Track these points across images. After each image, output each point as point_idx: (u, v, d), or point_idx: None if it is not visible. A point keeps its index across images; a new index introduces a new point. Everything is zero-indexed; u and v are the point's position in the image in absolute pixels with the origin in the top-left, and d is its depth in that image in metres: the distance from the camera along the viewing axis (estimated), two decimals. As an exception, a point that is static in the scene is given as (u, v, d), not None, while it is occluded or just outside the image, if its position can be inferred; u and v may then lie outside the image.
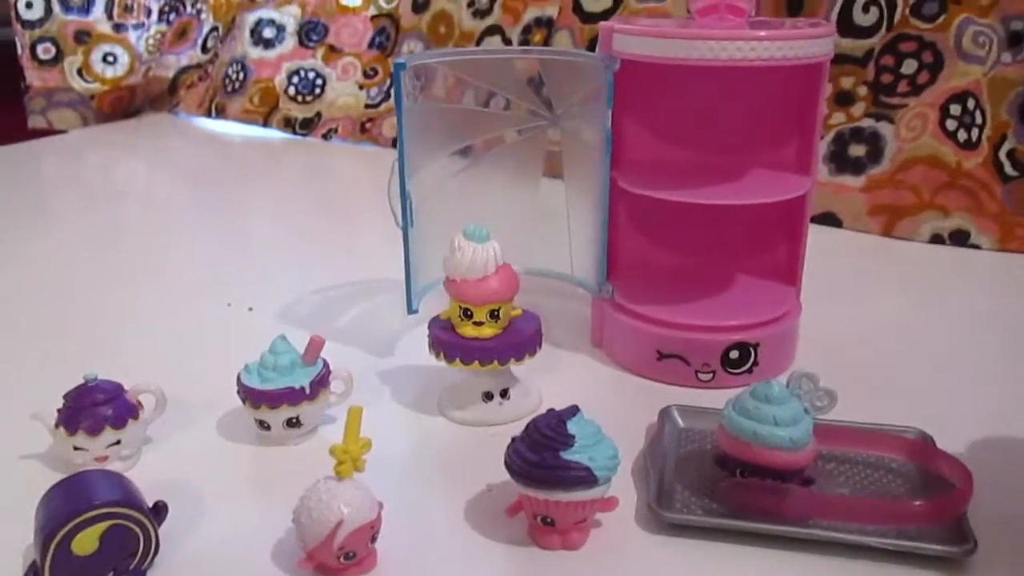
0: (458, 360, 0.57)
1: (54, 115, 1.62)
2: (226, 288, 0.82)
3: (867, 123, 0.98)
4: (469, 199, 0.69)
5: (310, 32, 1.51)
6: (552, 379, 0.64)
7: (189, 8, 1.65)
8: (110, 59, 1.63)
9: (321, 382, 0.56)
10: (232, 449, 0.57)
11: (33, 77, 1.61)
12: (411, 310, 0.65)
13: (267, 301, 0.79)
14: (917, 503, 0.46)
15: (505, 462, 0.46)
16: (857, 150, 0.98)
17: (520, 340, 0.57)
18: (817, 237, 0.95)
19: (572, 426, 0.45)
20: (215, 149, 1.47)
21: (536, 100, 0.70)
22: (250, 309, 0.78)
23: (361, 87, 1.46)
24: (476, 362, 0.57)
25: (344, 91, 1.48)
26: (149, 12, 1.64)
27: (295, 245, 0.97)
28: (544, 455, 0.45)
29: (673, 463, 0.53)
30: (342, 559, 0.44)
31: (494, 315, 0.57)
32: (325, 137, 1.46)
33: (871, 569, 0.45)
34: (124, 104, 1.68)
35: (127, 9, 1.62)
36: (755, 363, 0.62)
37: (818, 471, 0.51)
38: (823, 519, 0.47)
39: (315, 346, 0.56)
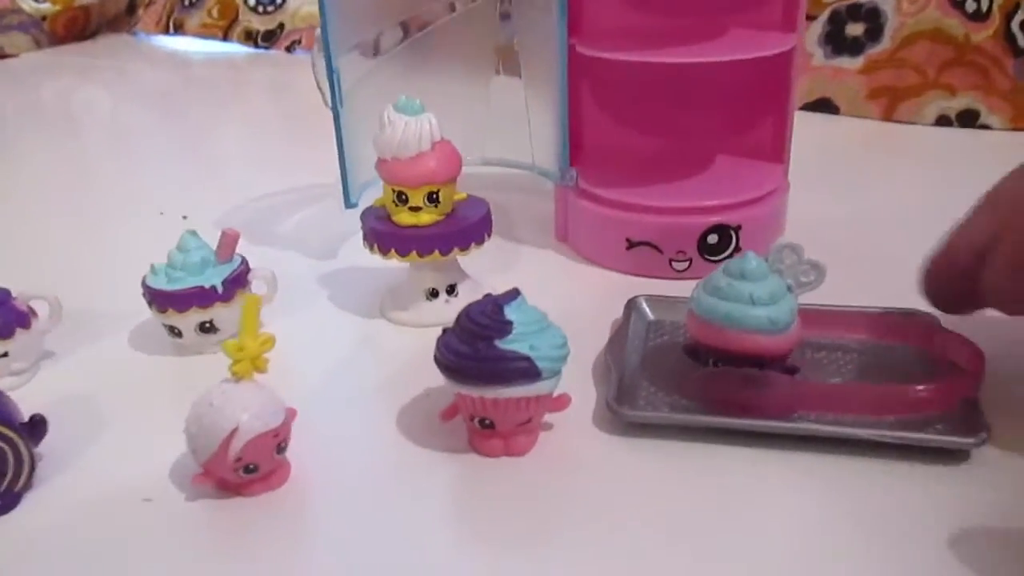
0: (394, 252, 0.50)
1: (4, 39, 1.52)
2: (166, 201, 0.75)
3: (866, -1, 0.89)
4: (414, 81, 0.62)
5: (269, -62, 1.41)
6: (510, 276, 0.57)
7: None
8: (60, -23, 1.52)
9: (237, 281, 0.49)
10: (142, 361, 0.50)
11: (-21, -1, 1.51)
12: (349, 203, 0.58)
13: (207, 210, 0.71)
14: (920, 387, 0.39)
15: (434, 356, 0.40)
16: (855, 29, 0.89)
17: (464, 227, 0.50)
18: (812, 126, 0.88)
19: (511, 312, 0.38)
20: (173, 68, 1.38)
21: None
22: (184, 217, 0.70)
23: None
24: (414, 252, 0.49)
25: (307, 0, 1.38)
26: (98, -76, 1.53)
27: (252, 159, 0.89)
28: (477, 345, 0.38)
29: (638, 358, 0.46)
30: (242, 472, 0.37)
31: (433, 199, 0.49)
32: (288, 50, 1.36)
33: (868, 466, 0.38)
34: (79, 26, 1.58)
35: (74, -79, 1.51)
36: (736, 248, 0.55)
37: (804, 361, 0.44)
38: (810, 411, 0.40)
39: (228, 240, 0.49)
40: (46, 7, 1.51)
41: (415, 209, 0.49)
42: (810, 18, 0.90)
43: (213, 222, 0.69)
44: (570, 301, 0.54)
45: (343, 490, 0.39)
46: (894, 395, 0.40)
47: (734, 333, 0.40)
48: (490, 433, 0.40)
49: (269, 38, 1.39)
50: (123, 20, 1.62)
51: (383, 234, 0.50)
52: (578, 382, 0.45)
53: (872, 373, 0.44)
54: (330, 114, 0.56)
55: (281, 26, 1.38)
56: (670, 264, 0.55)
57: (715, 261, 0.54)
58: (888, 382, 0.43)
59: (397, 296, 0.53)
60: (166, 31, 1.50)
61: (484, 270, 0.57)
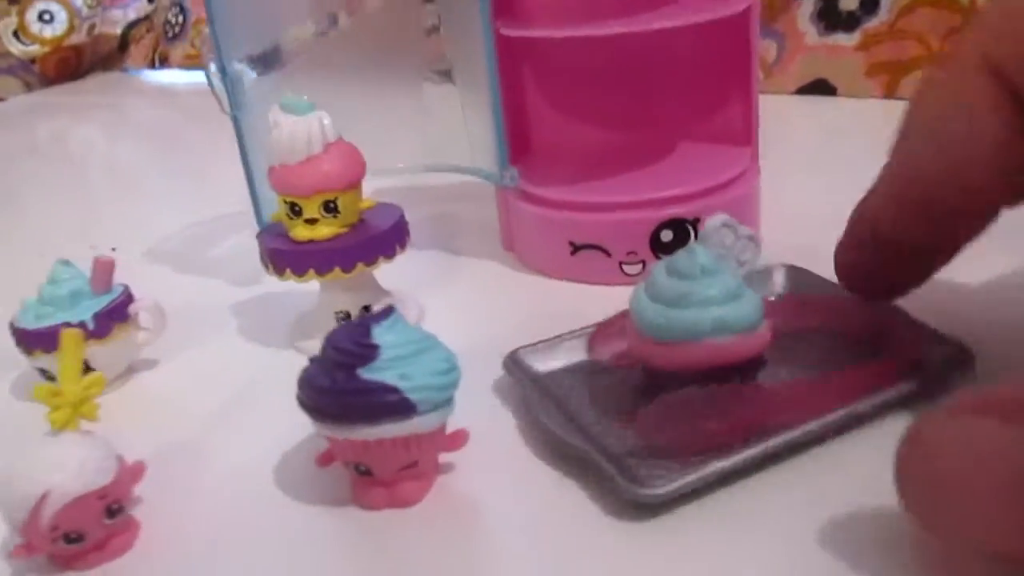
0: (289, 271, 0.43)
1: (-5, 84, 1.51)
2: (110, 234, 0.70)
3: (860, -32, 0.81)
4: (335, 82, 0.56)
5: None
6: (445, 292, 0.51)
7: (127, -46, 1.52)
8: (47, 17, 1.51)
9: (114, 314, 0.43)
10: (17, 411, 0.44)
11: (-32, 45, 1.50)
12: (262, 222, 0.52)
13: (141, 240, 0.66)
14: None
15: (297, 393, 0.33)
16: (849, 2, 0.81)
17: (370, 238, 0.44)
18: (806, 110, 0.80)
19: (381, 334, 0.32)
20: (159, 101, 1.35)
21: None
22: (113, 249, 0.65)
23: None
24: (311, 271, 0.43)
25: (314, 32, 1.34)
26: (83, -38, 1.51)
27: (204, 185, 0.84)
28: (336, 376, 0.31)
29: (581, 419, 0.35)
30: (62, 543, 0.31)
31: (330, 208, 0.43)
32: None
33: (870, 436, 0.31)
34: (71, 66, 1.56)
35: (59, -39, 1.50)
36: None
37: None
38: (790, 420, 0.33)
39: (101, 268, 0.43)
40: (35, 49, 1.49)
41: (311, 221, 0.43)
42: (800, -6, 0.83)
43: (139, 253, 0.63)
44: (508, 318, 0.47)
45: (203, 557, 0.33)
46: (876, 370, 0.34)
47: (700, 345, 0.32)
48: (370, 481, 0.33)
49: (253, 64, 1.34)
50: (115, 58, 1.60)
51: (277, 252, 0.44)
52: (489, 411, 0.38)
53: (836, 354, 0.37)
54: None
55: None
56: (621, 268, 0.48)
57: (672, 262, 0.47)
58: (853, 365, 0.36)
59: (305, 322, 0.47)
60: (152, 65, 1.47)
61: (418, 285, 0.50)
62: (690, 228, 0.47)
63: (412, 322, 0.46)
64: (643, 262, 0.48)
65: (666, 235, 0.47)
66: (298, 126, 0.42)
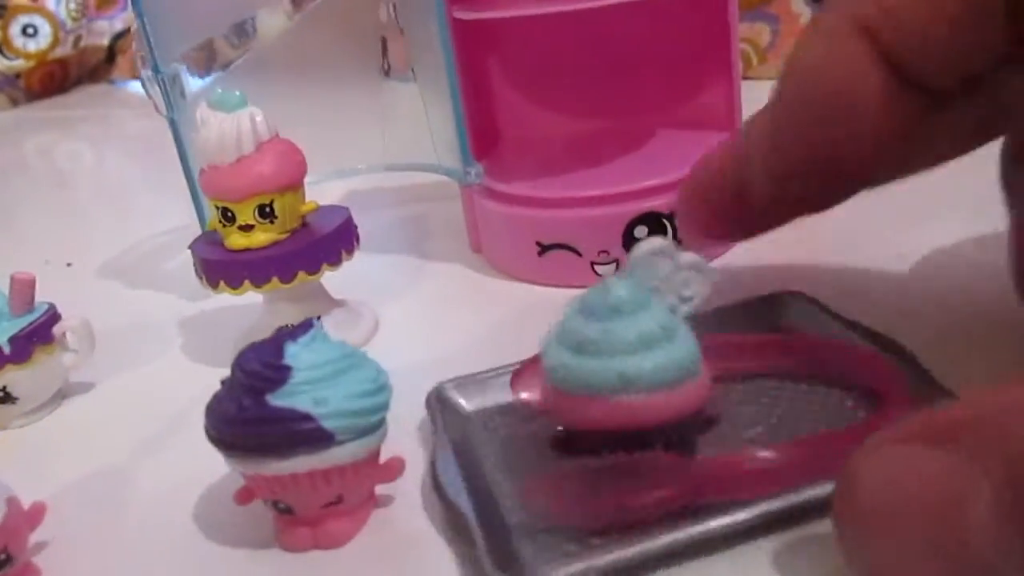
0: (223, 283, 0.40)
1: (-20, 100, 1.49)
2: (81, 249, 0.66)
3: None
4: (287, 79, 0.52)
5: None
6: (405, 300, 0.47)
7: (109, -37, 1.49)
8: (30, 31, 1.48)
9: (34, 336, 0.40)
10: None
11: (-47, 61, 1.47)
12: (205, 228, 0.48)
13: (102, 254, 0.63)
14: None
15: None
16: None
17: (311, 243, 0.40)
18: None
19: (296, 353, 0.28)
20: (145, 112, 1.31)
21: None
22: (68, 264, 0.62)
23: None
24: (246, 282, 0.39)
25: (276, 25, 1.30)
26: (65, -27, 1.49)
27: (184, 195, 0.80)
28: (243, 402, 0.27)
29: (487, 477, 0.30)
30: (-62, 600, 0.27)
31: (266, 213, 0.39)
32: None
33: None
34: (57, 80, 1.54)
35: (41, -27, 1.47)
36: (675, 241, 0.43)
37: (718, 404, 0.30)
38: (729, 500, 0.26)
39: (19, 287, 0.40)
40: (19, 64, 1.47)
41: (246, 228, 0.39)
42: (793, -27, 0.79)
43: (93, 269, 0.60)
44: (471, 328, 0.43)
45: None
46: (844, 437, 0.27)
47: (606, 402, 0.26)
48: (293, 519, 0.29)
49: (239, 70, 1.31)
50: (103, 69, 1.58)
51: (210, 262, 0.40)
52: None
53: (801, 416, 0.30)
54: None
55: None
56: (592, 269, 0.44)
57: (648, 260, 0.43)
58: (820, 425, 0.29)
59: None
60: (139, 76, 1.44)
61: (376, 293, 0.47)
62: (666, 222, 0.43)
63: (364, 334, 0.42)
64: (616, 261, 0.44)
65: (640, 231, 0.43)
66: (227, 124, 0.38)
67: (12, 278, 0.40)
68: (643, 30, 0.49)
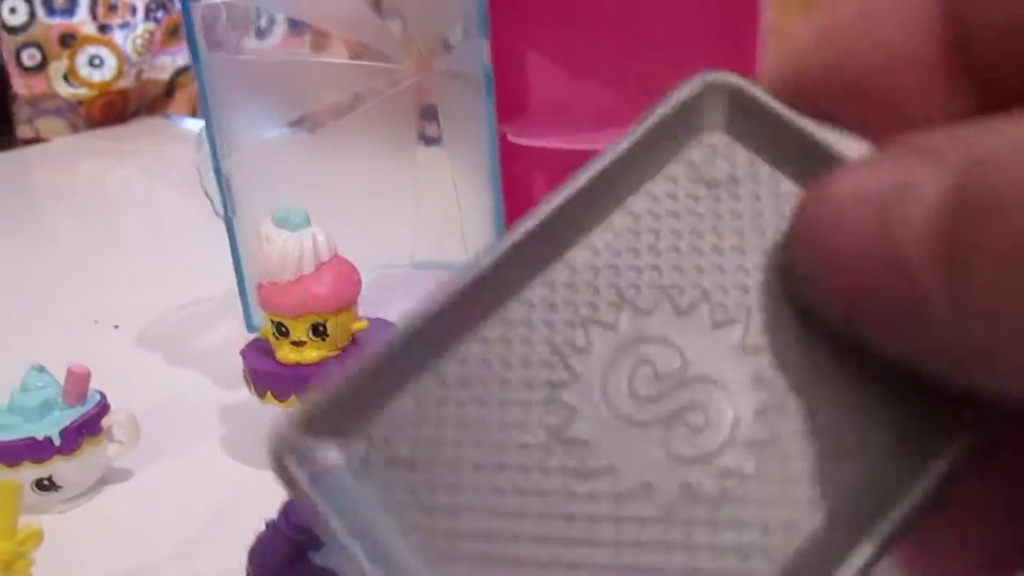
0: (270, 394, 0.41)
1: (41, 124, 1.53)
2: (125, 295, 0.68)
3: None
4: (322, 178, 0.54)
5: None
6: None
7: (177, 4, 1.54)
8: (96, 62, 1.53)
9: (85, 428, 0.41)
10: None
11: (19, 85, 1.52)
12: (251, 327, 0.49)
13: (143, 314, 0.64)
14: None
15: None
16: None
17: (358, 365, 0.41)
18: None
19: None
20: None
21: (383, 36, 0.53)
22: (116, 327, 0.63)
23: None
24: (293, 397, 0.40)
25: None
26: (134, 10, 1.54)
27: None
28: (286, 554, 0.28)
29: None
30: None
31: (319, 331, 0.40)
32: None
33: None
34: (117, 110, 1.58)
35: (112, 8, 1.52)
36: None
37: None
38: None
39: (75, 380, 0.41)
40: (83, 92, 1.51)
41: (298, 343, 0.41)
42: None
43: (135, 333, 0.61)
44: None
45: None
46: None
47: None
48: (320, 665, 0.30)
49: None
50: (161, 103, 1.62)
51: (259, 373, 0.41)
52: None
53: None
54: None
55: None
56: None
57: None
58: None
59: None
60: (194, 113, 1.48)
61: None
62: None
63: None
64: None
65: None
66: (291, 243, 0.40)
67: (69, 371, 0.41)
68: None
